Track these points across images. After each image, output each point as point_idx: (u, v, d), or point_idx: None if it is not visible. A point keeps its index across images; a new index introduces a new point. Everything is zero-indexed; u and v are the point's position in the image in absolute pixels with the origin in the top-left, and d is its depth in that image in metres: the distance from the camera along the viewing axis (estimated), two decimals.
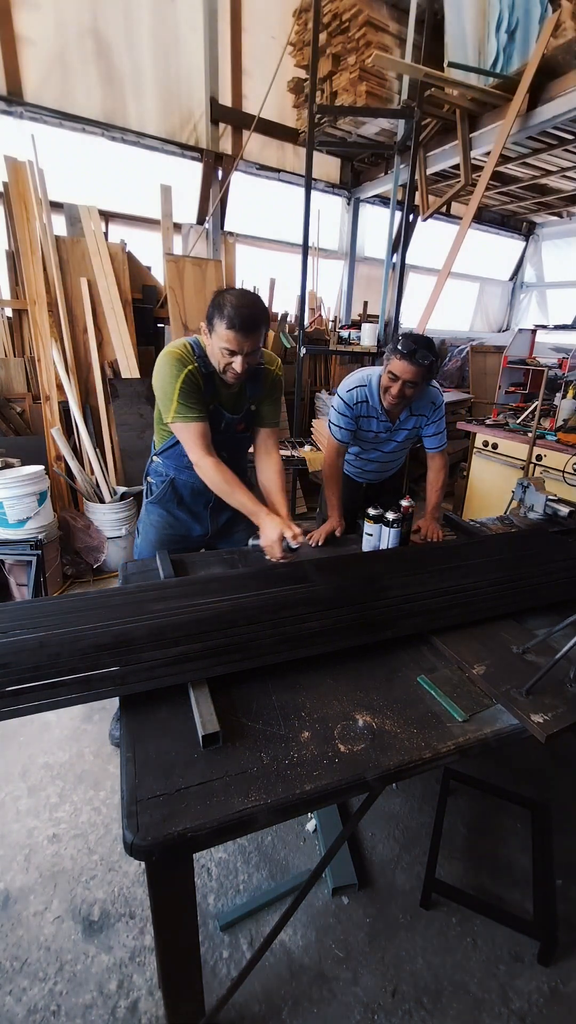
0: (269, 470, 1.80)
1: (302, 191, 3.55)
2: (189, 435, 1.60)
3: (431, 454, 2.15)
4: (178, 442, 1.68)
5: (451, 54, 3.40)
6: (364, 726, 1.03)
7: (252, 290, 4.33)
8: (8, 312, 3.38)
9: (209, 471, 1.61)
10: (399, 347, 1.78)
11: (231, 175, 4.12)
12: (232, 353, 1.51)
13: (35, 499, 2.82)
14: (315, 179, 4.31)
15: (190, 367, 1.57)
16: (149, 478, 1.92)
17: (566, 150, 3.90)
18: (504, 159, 4.03)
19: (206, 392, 1.62)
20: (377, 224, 5.26)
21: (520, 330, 4.37)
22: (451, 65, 3.35)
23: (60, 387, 3.39)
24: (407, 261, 4.32)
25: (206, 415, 1.62)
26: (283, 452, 3.26)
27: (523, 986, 1.36)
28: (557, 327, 4.97)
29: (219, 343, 1.51)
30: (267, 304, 4.57)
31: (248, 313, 1.47)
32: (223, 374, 1.59)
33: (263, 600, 1.34)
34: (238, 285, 4.49)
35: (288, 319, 4.59)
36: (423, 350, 1.75)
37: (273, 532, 1.54)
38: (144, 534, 1.94)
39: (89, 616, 1.25)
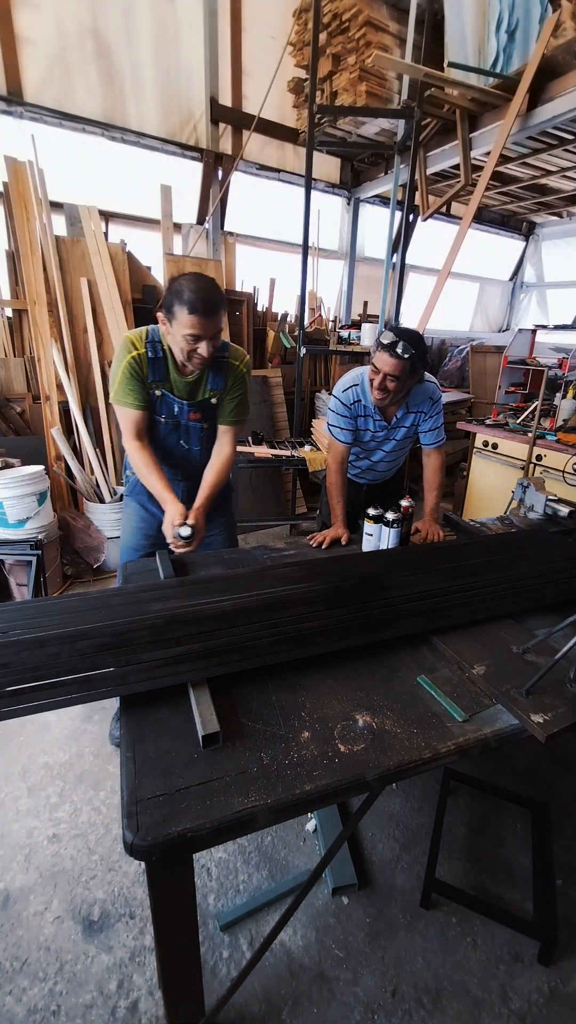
0: (212, 462, 1.81)
1: (302, 191, 3.56)
2: (122, 419, 1.69)
3: (427, 451, 2.12)
4: None
5: (451, 54, 3.40)
6: (364, 726, 1.03)
7: (252, 291, 4.40)
8: (8, 312, 3.38)
9: (133, 453, 1.70)
10: (380, 339, 1.77)
11: (231, 175, 4.12)
12: (196, 338, 1.52)
13: (35, 499, 2.82)
14: (315, 179, 4.31)
15: (135, 353, 1.60)
16: (127, 471, 1.92)
17: (566, 150, 3.90)
18: (504, 159, 4.03)
19: (153, 377, 1.64)
20: (377, 224, 5.26)
21: (520, 330, 4.37)
22: (451, 65, 3.35)
23: (60, 387, 3.39)
24: (407, 261, 4.32)
25: (142, 404, 1.66)
26: (283, 452, 3.26)
27: (523, 986, 1.36)
28: (557, 327, 4.97)
29: (181, 330, 1.51)
30: (268, 304, 4.58)
31: (207, 296, 1.48)
32: (187, 362, 1.60)
33: (263, 600, 1.34)
34: (238, 286, 4.50)
35: (288, 319, 4.59)
36: (405, 343, 1.72)
37: (168, 515, 1.62)
38: (123, 528, 1.98)
39: (89, 616, 1.25)
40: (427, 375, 1.98)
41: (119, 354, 1.62)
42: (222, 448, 1.82)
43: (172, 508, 1.62)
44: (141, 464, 1.69)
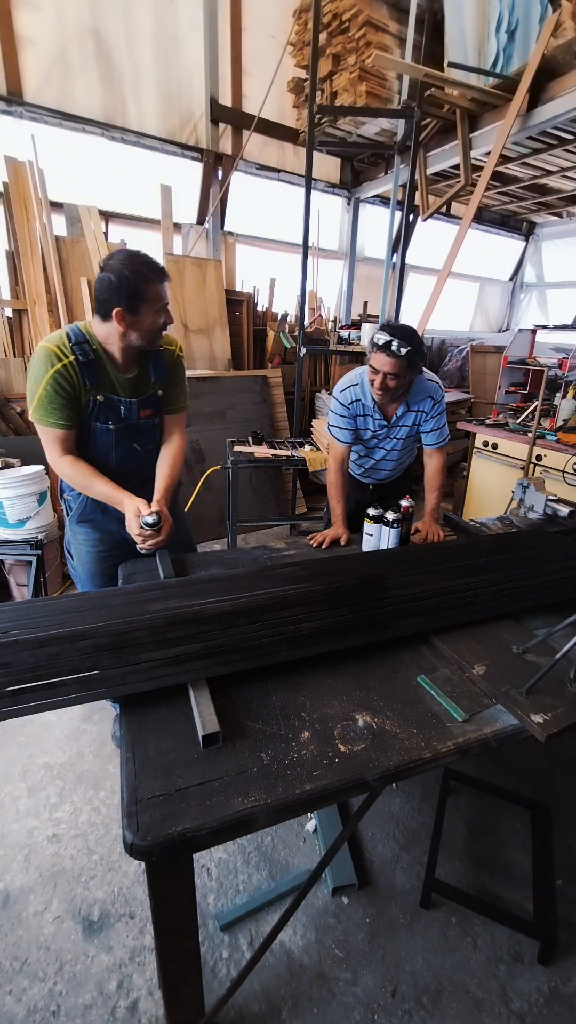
0: (165, 453, 1.71)
1: (302, 191, 3.56)
2: (47, 438, 1.52)
3: (429, 451, 2.11)
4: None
5: (451, 54, 3.41)
6: (364, 726, 1.03)
7: (252, 291, 4.40)
8: (8, 312, 3.38)
9: (65, 469, 1.54)
10: (375, 339, 1.76)
11: (231, 175, 4.12)
12: (165, 307, 1.46)
13: (35, 499, 2.82)
14: (315, 179, 4.31)
15: (60, 365, 1.42)
16: (65, 495, 1.73)
17: (566, 150, 3.90)
18: (504, 159, 4.03)
19: (91, 383, 1.48)
20: (377, 224, 5.26)
21: (520, 330, 4.37)
22: (451, 65, 3.36)
23: None
24: (407, 261, 4.32)
25: (71, 423, 1.50)
26: (283, 452, 3.26)
27: (523, 986, 1.36)
28: (557, 327, 4.97)
29: (154, 306, 1.43)
30: (268, 304, 4.58)
31: (156, 262, 1.44)
32: (151, 344, 1.51)
33: (263, 600, 1.34)
34: (238, 286, 4.50)
35: (288, 319, 4.59)
36: (400, 340, 1.72)
37: (129, 511, 1.51)
38: (78, 556, 1.78)
39: (89, 616, 1.25)
40: (429, 373, 1.98)
41: (38, 368, 1.43)
42: (175, 439, 1.73)
43: (130, 503, 1.51)
44: (79, 475, 1.53)
